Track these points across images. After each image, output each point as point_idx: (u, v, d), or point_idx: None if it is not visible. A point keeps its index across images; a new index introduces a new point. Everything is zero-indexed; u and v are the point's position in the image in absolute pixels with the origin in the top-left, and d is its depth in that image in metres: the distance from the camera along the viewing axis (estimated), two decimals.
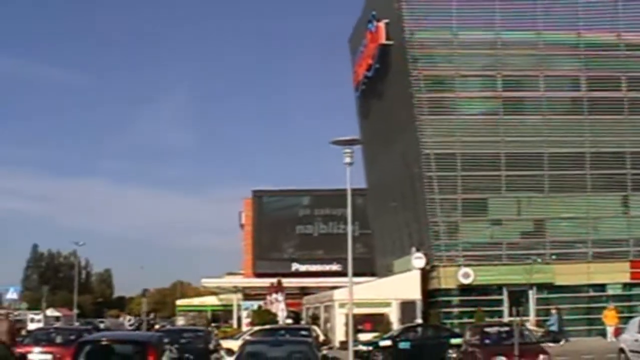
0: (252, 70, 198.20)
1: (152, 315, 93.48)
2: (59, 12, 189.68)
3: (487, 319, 41.62)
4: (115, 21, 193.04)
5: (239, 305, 68.56)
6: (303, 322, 54.65)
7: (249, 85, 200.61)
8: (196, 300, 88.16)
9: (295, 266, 75.50)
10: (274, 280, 53.22)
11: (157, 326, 69.56)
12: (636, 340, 27.42)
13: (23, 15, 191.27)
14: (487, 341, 26.34)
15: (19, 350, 23.17)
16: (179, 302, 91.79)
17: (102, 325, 69.65)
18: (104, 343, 18.27)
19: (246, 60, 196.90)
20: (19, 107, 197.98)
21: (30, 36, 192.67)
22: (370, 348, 36.60)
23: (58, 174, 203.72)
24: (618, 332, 37.15)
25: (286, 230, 79.27)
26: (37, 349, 25.67)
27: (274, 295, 50.61)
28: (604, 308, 45.39)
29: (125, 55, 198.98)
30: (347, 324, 32.83)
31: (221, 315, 79.44)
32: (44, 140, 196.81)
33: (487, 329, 27.98)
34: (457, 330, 39.60)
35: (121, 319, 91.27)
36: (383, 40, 52.95)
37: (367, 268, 57.34)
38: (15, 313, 71.46)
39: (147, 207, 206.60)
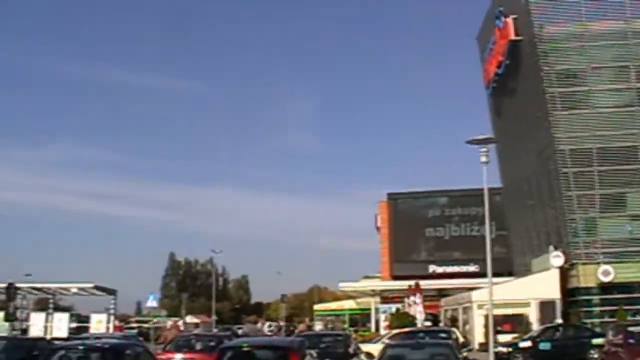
0: (382, 72, 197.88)
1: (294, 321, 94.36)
2: (191, 27, 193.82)
3: (630, 318, 40.58)
4: (243, 30, 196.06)
5: (376, 309, 68.72)
6: (441, 324, 54.45)
7: (378, 87, 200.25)
8: (334, 305, 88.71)
9: (432, 268, 75.12)
10: (412, 282, 53.17)
11: (296, 331, 70.42)
12: None
13: (158, 32, 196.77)
14: (631, 341, 25.64)
15: (161, 356, 23.79)
16: (316, 306, 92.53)
17: (240, 332, 70.83)
18: (245, 349, 18.78)
19: (374, 62, 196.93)
20: (155, 120, 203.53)
21: (167, 52, 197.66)
22: (510, 349, 36.22)
23: (194, 183, 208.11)
24: None
25: (422, 232, 78.96)
26: (178, 355, 26.29)
27: (412, 298, 50.60)
28: None
29: (254, 63, 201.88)
30: (486, 325, 32.59)
31: (359, 319, 79.73)
32: (178, 151, 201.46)
33: (631, 328, 27.23)
34: (598, 329, 38.75)
35: (259, 324, 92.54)
36: (512, 36, 52.38)
37: (504, 268, 56.58)
38: (155, 320, 73.50)
39: (282, 212, 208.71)
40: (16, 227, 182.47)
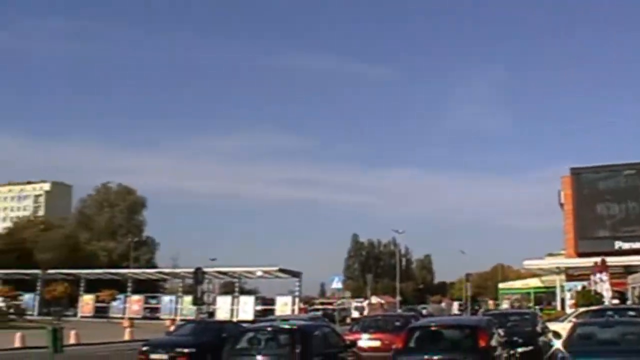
0: (562, 43, 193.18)
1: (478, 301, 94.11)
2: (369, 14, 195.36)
3: None
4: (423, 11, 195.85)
5: (561, 287, 67.96)
6: (629, 302, 53.51)
7: (558, 60, 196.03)
8: (518, 283, 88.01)
9: (617, 244, 73.45)
10: (597, 259, 52.48)
11: (481, 310, 70.39)
12: None
13: (341, 18, 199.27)
14: None
15: (348, 337, 24.54)
16: (501, 285, 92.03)
17: (424, 312, 71.12)
18: (433, 328, 19.32)
19: (555, 34, 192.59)
20: (338, 104, 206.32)
21: (351, 37, 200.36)
22: None
23: (379, 165, 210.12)
24: None
25: (607, 207, 77.20)
26: (365, 336, 27.01)
27: (598, 275, 49.98)
28: None
29: (430, 44, 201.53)
30: None
31: (544, 297, 78.93)
32: (363, 135, 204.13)
33: None
34: None
35: (443, 304, 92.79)
36: None
37: None
38: (339, 302, 74.90)
39: (464, 191, 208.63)
40: (204, 214, 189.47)
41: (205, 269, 51.13)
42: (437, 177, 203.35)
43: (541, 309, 63.43)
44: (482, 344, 17.56)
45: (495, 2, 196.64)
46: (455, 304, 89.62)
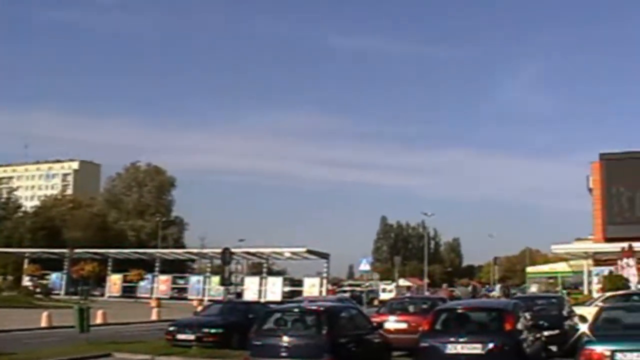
0: (596, 33, 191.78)
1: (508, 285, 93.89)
2: None
3: None
4: None
5: (589, 271, 67.76)
6: None
7: (600, 47, 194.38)
8: (546, 267, 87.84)
9: None
10: (625, 245, 52.32)
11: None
12: None
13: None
14: None
15: (375, 319, 24.27)
16: (528, 269, 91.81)
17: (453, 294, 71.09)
18: (459, 311, 19.30)
19: (588, 22, 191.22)
20: (387, 84, 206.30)
21: (399, 16, 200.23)
22: None
23: (417, 147, 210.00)
24: None
25: (636, 193, 76.88)
26: (392, 318, 26.78)
27: (625, 260, 49.87)
28: None
29: (485, 25, 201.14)
30: None
31: (571, 282, 78.75)
32: (401, 115, 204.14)
33: None
34: None
35: (470, 287, 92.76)
36: None
37: None
38: (367, 284, 74.97)
39: (497, 174, 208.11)
40: (236, 194, 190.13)
41: (234, 250, 51.31)
42: (470, 160, 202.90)
43: (568, 294, 63.40)
44: (508, 327, 17.58)
45: None
46: (499, 287, 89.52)
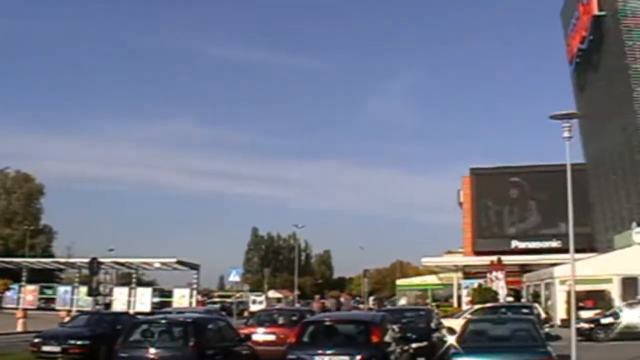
0: (467, 49, 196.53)
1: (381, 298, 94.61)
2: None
3: None
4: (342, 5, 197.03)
5: (459, 284, 69.00)
6: (523, 300, 54.59)
7: (464, 63, 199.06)
8: (416, 280, 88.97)
9: (514, 243, 75.06)
10: (494, 258, 53.42)
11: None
12: None
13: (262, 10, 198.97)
14: None
15: (243, 331, 24.20)
16: (399, 281, 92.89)
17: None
18: (327, 323, 19.23)
19: (459, 38, 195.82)
20: (262, 95, 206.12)
21: (268, 26, 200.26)
22: (592, 325, 36.35)
23: (285, 158, 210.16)
24: None
25: (504, 207, 78.90)
26: (261, 330, 26.50)
27: (494, 273, 50.89)
28: None
29: (354, 38, 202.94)
30: (568, 301, 32.76)
31: (441, 294, 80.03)
32: (273, 125, 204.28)
33: None
34: None
35: (342, 299, 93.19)
36: (596, 12, 52.20)
37: (587, 244, 56.48)
38: (237, 295, 74.55)
39: (366, 186, 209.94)
40: (102, 203, 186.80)
41: (102, 260, 50.08)
42: (342, 173, 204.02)
43: (438, 306, 64.33)
44: (375, 339, 17.57)
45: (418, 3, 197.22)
46: (372, 299, 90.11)
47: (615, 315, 36.70)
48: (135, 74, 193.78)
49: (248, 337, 22.37)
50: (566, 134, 23.39)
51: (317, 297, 66.96)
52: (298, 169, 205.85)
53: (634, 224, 48.21)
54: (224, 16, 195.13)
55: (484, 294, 49.47)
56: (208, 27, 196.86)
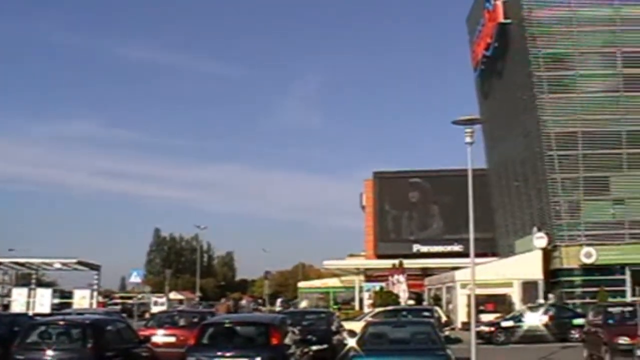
0: (373, 53, 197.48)
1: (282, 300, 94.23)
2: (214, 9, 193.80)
3: (610, 299, 41.07)
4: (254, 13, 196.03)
5: (360, 287, 69.07)
6: (425, 303, 54.87)
7: (369, 67, 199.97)
8: (318, 282, 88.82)
9: (416, 247, 75.50)
10: (396, 261, 53.49)
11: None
12: None
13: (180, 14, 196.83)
14: (610, 321, 25.97)
15: (143, 332, 23.75)
16: (300, 284, 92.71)
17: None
18: (227, 325, 18.98)
19: (364, 42, 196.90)
20: (170, 97, 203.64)
21: (174, 30, 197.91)
22: (492, 328, 36.62)
23: (194, 160, 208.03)
24: None
25: (407, 211, 79.37)
26: (160, 331, 26.24)
27: (396, 277, 50.90)
28: None
29: (261, 43, 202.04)
30: (469, 305, 32.91)
31: (343, 297, 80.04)
32: (184, 128, 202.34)
33: (611, 309, 27.54)
34: (579, 310, 39.24)
35: (243, 301, 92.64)
36: (501, 19, 52.73)
37: (488, 248, 57.18)
38: (139, 296, 73.34)
39: (270, 189, 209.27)
40: (2, 203, 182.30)
41: (1, 260, 48.58)
42: (246, 175, 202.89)
43: (339, 309, 64.25)
44: (274, 341, 17.42)
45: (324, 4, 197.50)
46: (279, 302, 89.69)
47: (517, 319, 37.19)
48: (42, 72, 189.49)
49: (147, 338, 21.85)
50: (468, 140, 23.39)
51: (223, 299, 66.31)
52: (203, 172, 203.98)
53: (535, 229, 48.94)
54: (134, 17, 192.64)
55: (385, 297, 49.44)
56: (118, 29, 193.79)
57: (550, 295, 45.64)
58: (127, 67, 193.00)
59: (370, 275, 68.64)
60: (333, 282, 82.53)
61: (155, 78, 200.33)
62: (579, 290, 47.13)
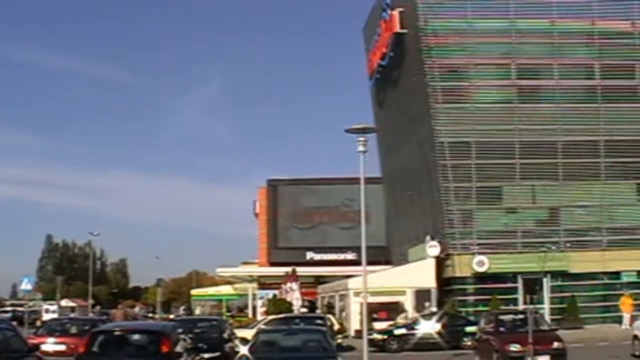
0: (267, 59, 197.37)
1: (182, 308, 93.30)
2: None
3: (502, 307, 41.63)
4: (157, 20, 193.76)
5: (254, 295, 68.75)
6: (318, 311, 54.77)
7: (264, 73, 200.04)
8: (211, 290, 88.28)
9: (309, 255, 75.30)
10: (289, 269, 53.31)
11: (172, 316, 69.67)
12: None
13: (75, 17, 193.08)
14: (501, 329, 26.30)
15: (33, 341, 23.21)
16: (194, 291, 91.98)
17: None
18: (117, 333, 18.56)
19: (261, 49, 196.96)
20: (67, 101, 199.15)
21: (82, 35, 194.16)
22: (385, 336, 36.75)
23: (87, 167, 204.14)
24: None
25: (301, 219, 79.22)
26: (51, 339, 25.81)
27: (289, 285, 50.74)
28: (619, 295, 45.46)
29: (163, 51, 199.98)
30: (361, 313, 32.92)
31: (237, 304, 79.61)
32: (77, 134, 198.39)
33: (502, 317, 27.93)
34: (472, 318, 39.67)
35: (136, 309, 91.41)
36: (397, 29, 53.00)
37: (382, 257, 57.48)
38: (30, 304, 71.54)
39: (167, 197, 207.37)
40: None
41: None
42: (140, 182, 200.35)
43: (232, 316, 63.79)
44: (165, 349, 17.11)
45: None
46: (182, 309, 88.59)
47: (411, 327, 37.40)
48: None
49: (37, 347, 21.19)
50: (361, 148, 23.44)
51: (120, 306, 65.12)
52: (99, 179, 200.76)
53: (428, 237, 49.31)
54: (32, 19, 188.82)
55: (278, 305, 49.29)
56: (13, 30, 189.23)
57: (427, 303, 46.06)
58: (25, 71, 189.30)
59: (263, 283, 68.39)
60: (226, 289, 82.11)
61: (53, 83, 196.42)
62: (471, 298, 47.68)
